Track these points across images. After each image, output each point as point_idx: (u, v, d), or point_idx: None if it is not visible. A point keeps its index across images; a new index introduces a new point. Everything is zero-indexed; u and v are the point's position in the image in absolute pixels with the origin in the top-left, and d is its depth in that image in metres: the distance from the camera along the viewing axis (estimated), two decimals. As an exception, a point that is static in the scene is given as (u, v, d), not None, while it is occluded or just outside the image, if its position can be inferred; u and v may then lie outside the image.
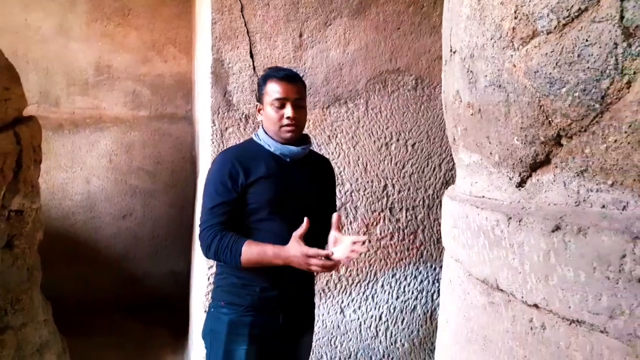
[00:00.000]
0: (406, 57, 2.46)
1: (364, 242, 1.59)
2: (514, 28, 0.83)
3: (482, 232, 0.95)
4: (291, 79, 1.70)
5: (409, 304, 2.51)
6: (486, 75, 0.92)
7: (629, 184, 0.71)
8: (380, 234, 2.47)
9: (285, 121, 1.65)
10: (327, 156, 2.15)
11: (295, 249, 1.54)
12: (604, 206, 0.74)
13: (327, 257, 1.55)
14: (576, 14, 0.72)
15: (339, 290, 2.43)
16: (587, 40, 0.71)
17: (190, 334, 3.26)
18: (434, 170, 2.53)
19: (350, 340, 2.45)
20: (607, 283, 0.68)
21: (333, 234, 1.65)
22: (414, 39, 2.45)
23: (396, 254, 2.49)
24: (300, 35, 2.33)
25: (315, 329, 2.43)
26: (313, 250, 1.53)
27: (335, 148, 2.44)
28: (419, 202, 2.51)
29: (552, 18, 0.76)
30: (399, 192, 2.50)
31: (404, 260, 2.50)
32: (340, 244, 1.60)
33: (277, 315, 1.68)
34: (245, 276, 1.65)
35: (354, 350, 2.46)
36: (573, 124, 0.76)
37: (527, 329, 0.83)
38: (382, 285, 2.48)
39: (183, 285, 3.90)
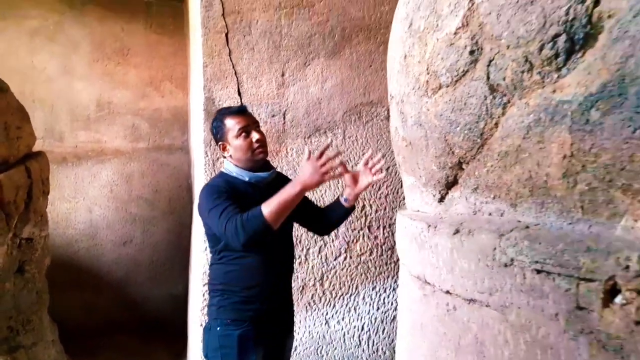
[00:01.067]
0: (378, 91, 2.74)
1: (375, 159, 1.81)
2: (427, 81, 1.10)
3: (414, 238, 1.20)
4: (244, 111, 1.86)
5: (388, 314, 2.73)
6: (411, 116, 1.18)
7: (504, 197, 0.97)
8: (360, 250, 2.71)
9: (256, 145, 1.78)
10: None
11: (305, 167, 1.61)
12: (490, 214, 1.00)
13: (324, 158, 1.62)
14: (462, 74, 0.99)
15: (324, 303, 2.65)
16: (469, 93, 0.98)
17: (189, 352, 3.45)
18: (407, 191, 2.79)
19: (335, 349, 2.67)
20: (486, 269, 0.93)
21: (347, 177, 1.86)
22: (385, 75, 2.74)
23: (375, 268, 2.72)
24: (283, 75, 2.62)
25: (303, 339, 2.65)
26: (318, 153, 1.60)
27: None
28: (394, 221, 2.76)
29: (449, 76, 1.02)
30: (376, 211, 2.75)
31: (382, 274, 2.73)
32: (357, 181, 1.85)
33: (275, 325, 1.85)
34: (246, 295, 1.79)
35: (339, 359, 2.67)
36: (467, 154, 1.02)
37: (444, 312, 1.08)
38: (364, 298, 2.70)
39: (181, 307, 4.11)
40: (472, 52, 0.95)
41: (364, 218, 2.73)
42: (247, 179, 1.80)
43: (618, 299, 0.73)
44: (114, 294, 4.30)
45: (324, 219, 2.02)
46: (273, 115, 2.60)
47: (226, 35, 2.49)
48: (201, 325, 2.50)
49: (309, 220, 2.02)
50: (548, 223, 0.87)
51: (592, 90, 0.76)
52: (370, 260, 2.72)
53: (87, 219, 4.31)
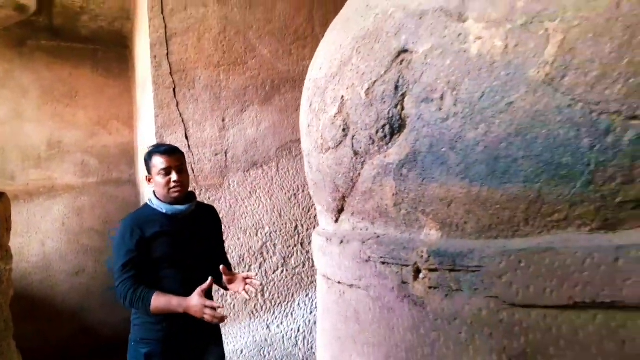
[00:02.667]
0: (304, 131, 3.31)
1: (255, 278, 2.03)
2: (321, 144, 1.66)
3: (320, 248, 1.74)
4: (170, 152, 2.08)
5: (320, 316, 3.26)
6: (314, 166, 1.73)
7: (367, 218, 1.53)
8: (295, 263, 3.23)
9: (172, 184, 2.02)
10: (249, 208, 2.93)
11: (196, 300, 1.87)
12: (360, 229, 1.56)
13: (215, 310, 1.89)
14: (339, 142, 1.55)
15: (265, 311, 3.14)
16: (343, 155, 1.54)
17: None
18: (331, 212, 3.36)
19: (276, 350, 3.16)
20: (357, 264, 1.48)
21: (225, 278, 2.05)
22: (309, 117, 3.33)
23: (308, 278, 3.25)
24: (223, 120, 3.13)
25: (248, 343, 3.12)
26: (209, 302, 1.86)
27: (255, 200, 3.21)
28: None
29: (332, 143, 1.58)
30: (307, 230, 3.30)
31: (314, 283, 3.27)
32: (235, 281, 2.05)
33: (184, 345, 2.07)
34: (156, 316, 1.99)
35: (280, 358, 3.16)
36: (346, 191, 1.58)
37: (338, 296, 1.62)
38: (299, 304, 3.22)
39: (135, 329, 4.43)
40: (343, 130, 1.52)
41: (297, 236, 3.26)
42: (164, 211, 2.05)
43: (420, 275, 1.30)
44: (69, 322, 4.56)
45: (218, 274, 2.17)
46: (216, 154, 3.10)
47: (174, 89, 2.98)
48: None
49: (212, 265, 2.18)
50: (389, 233, 1.43)
51: (402, 157, 1.34)
52: (304, 272, 3.25)
53: (40, 252, 4.56)
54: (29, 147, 4.57)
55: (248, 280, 2.03)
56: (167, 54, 2.93)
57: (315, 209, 3.34)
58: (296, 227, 3.26)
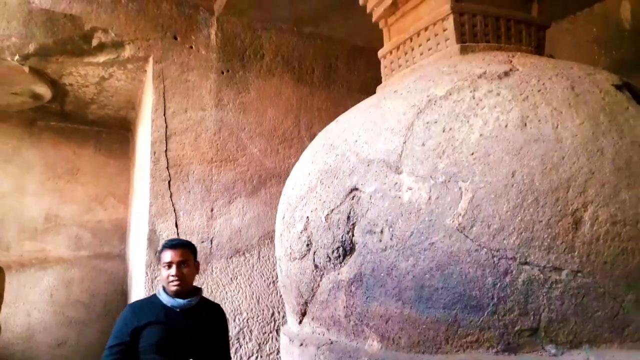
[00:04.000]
0: (285, 222, 3.59)
1: None
2: (290, 253, 1.92)
3: (283, 346, 1.96)
4: (177, 246, 2.19)
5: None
6: (283, 270, 1.99)
7: (323, 324, 1.76)
8: (269, 350, 3.39)
9: (171, 278, 2.13)
10: (229, 293, 3.14)
11: None
12: (318, 334, 1.79)
13: None
14: (303, 254, 1.82)
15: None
16: (306, 266, 1.79)
17: None
18: (308, 300, 3.57)
19: None
20: (313, 366, 1.69)
21: None
22: (291, 210, 3.62)
23: None
24: (212, 210, 3.41)
25: None
26: None
27: (235, 287, 3.42)
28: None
29: (298, 254, 1.85)
30: (283, 317, 3.48)
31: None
32: None
33: None
34: None
35: None
36: (308, 298, 1.82)
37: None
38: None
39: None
40: (307, 245, 1.79)
41: (273, 323, 3.44)
42: (164, 302, 2.16)
43: None
44: (45, 396, 4.57)
45: None
46: (202, 242, 3.35)
47: (169, 182, 3.28)
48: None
49: None
50: (340, 340, 1.67)
51: (351, 276, 1.60)
52: (278, 358, 3.39)
53: (25, 323, 4.66)
54: (27, 219, 4.80)
55: None
56: (166, 150, 3.27)
57: (291, 297, 3.53)
58: (273, 313, 3.45)
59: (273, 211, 3.58)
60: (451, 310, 1.39)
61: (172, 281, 2.15)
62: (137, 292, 3.54)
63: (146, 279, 3.17)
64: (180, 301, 2.17)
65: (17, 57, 3.18)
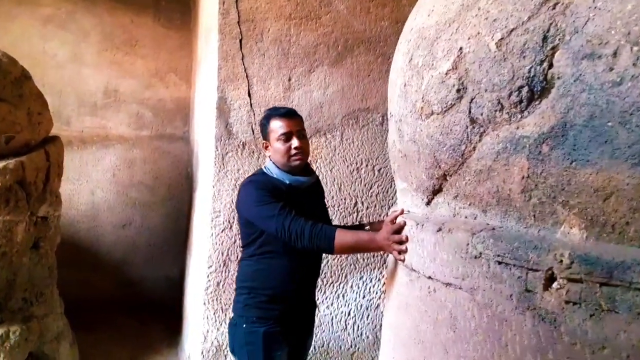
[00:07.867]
0: (375, 99, 3.01)
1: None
2: (422, 108, 1.36)
3: (404, 233, 1.47)
4: (291, 114, 1.91)
5: (373, 302, 3.01)
6: (407, 134, 1.45)
7: (477, 204, 1.23)
8: (351, 243, 2.98)
9: (293, 151, 1.85)
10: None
11: (383, 233, 1.57)
12: (466, 217, 1.27)
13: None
14: (450, 106, 1.25)
15: (317, 290, 2.92)
16: (454, 122, 1.24)
17: (184, 330, 3.70)
18: (396, 192, 3.07)
19: (324, 332, 2.94)
20: (461, 260, 1.19)
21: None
22: (382, 84, 3.00)
23: (363, 259, 3.00)
24: (289, 80, 2.86)
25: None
26: (397, 237, 1.50)
27: (315, 170, 2.95)
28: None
29: (439, 106, 1.29)
30: (367, 208, 3.02)
31: (370, 265, 3.01)
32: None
33: (298, 324, 1.97)
34: (273, 294, 1.87)
35: (327, 341, 2.94)
36: (450, 169, 1.29)
37: (426, 293, 1.35)
38: (352, 286, 2.98)
39: (176, 288, 4.34)
40: (458, 90, 1.21)
41: (356, 213, 3.00)
42: (287, 181, 1.87)
43: (554, 285, 1.00)
44: (112, 274, 4.52)
45: None
46: (278, 116, 2.84)
47: (240, 41, 2.72)
48: (204, 304, 2.75)
49: None
50: (509, 226, 1.14)
51: (544, 130, 1.03)
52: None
53: (90, 201, 4.51)
54: (86, 93, 4.47)
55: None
56: (237, 0, 2.67)
57: (380, 186, 3.05)
58: (355, 203, 3.00)
59: (359, 86, 2.99)
60: None
61: (296, 154, 1.87)
62: (205, 172, 3.15)
63: (216, 155, 2.74)
64: (303, 179, 1.92)
65: None
